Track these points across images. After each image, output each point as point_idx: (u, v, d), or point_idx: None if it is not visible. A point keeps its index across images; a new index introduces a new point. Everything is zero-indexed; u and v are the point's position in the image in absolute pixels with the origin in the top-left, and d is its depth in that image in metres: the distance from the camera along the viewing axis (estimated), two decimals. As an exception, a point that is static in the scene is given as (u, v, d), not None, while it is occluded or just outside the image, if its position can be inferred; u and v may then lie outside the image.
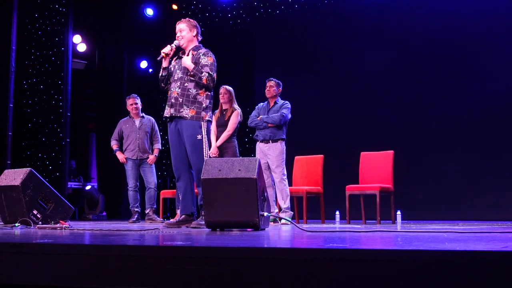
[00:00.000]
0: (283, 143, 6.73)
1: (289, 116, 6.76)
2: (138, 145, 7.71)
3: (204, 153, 5.07)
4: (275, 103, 6.86)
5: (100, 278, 2.30)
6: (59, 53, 9.97)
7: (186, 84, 5.14)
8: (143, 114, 7.92)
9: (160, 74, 5.34)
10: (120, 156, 7.75)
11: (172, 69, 5.33)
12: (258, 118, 6.80)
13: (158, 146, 7.90)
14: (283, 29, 10.51)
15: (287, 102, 6.84)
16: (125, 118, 7.95)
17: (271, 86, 6.89)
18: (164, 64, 5.29)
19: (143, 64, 11.44)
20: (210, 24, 10.61)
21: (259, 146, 6.82)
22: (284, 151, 6.73)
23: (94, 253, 2.40)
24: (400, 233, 3.69)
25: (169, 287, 2.18)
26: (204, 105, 5.16)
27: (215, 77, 5.19)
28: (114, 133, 7.89)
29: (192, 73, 5.10)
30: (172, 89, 5.20)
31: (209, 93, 5.23)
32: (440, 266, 1.90)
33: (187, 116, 5.10)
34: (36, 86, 9.70)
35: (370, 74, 9.41)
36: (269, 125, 6.69)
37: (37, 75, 9.71)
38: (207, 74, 5.10)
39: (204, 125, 5.14)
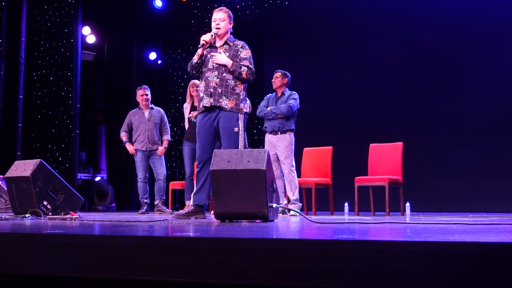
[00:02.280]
0: (292, 134, 6.73)
1: (297, 106, 6.75)
2: (147, 136, 7.73)
3: (240, 146, 4.97)
4: (283, 93, 6.87)
5: (109, 268, 2.31)
6: (68, 45, 10.00)
7: (224, 75, 5.04)
8: (153, 106, 7.93)
9: (195, 61, 5.17)
10: (129, 147, 7.77)
11: (204, 58, 5.19)
12: (268, 109, 6.81)
13: (167, 137, 7.91)
14: (291, 20, 10.48)
15: (294, 92, 6.85)
16: (135, 109, 7.97)
17: (276, 77, 6.92)
18: (200, 51, 5.14)
19: (152, 55, 11.45)
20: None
21: (268, 137, 6.82)
22: (293, 142, 6.72)
23: (104, 243, 2.41)
24: (409, 225, 3.68)
25: (178, 277, 2.19)
26: (241, 96, 5.09)
27: (254, 70, 5.13)
28: (123, 125, 7.91)
29: (231, 69, 5.01)
30: (209, 78, 5.07)
31: (245, 85, 5.16)
32: (449, 257, 1.90)
33: (226, 107, 5.00)
34: (46, 78, 9.73)
35: (379, 66, 9.37)
36: (278, 116, 6.70)
37: (46, 66, 9.75)
38: (246, 68, 5.03)
39: (241, 117, 5.05)
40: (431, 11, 9.07)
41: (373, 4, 9.53)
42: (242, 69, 5.03)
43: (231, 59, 5.06)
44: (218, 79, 5.04)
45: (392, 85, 9.25)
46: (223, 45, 5.16)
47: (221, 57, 5.06)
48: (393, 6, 9.36)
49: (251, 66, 5.08)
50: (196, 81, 7.46)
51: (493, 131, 8.38)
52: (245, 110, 5.10)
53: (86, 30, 10.73)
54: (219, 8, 5.27)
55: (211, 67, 5.09)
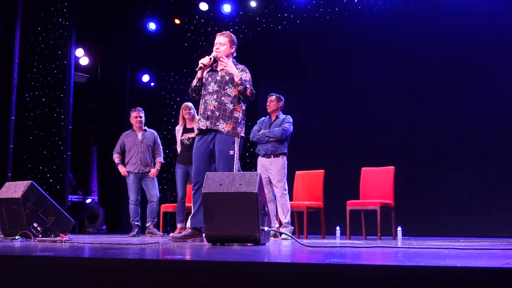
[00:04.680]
0: (285, 157, 6.74)
1: (291, 130, 6.79)
2: (140, 158, 7.72)
3: (234, 169, 4.94)
4: (277, 117, 6.90)
5: (99, 291, 2.29)
6: (61, 66, 9.99)
7: (223, 98, 5.03)
8: (146, 128, 7.94)
9: (194, 84, 5.20)
10: (122, 169, 7.75)
11: (205, 81, 5.22)
12: (260, 133, 6.83)
13: (160, 159, 7.90)
14: (285, 44, 10.56)
15: (288, 116, 6.88)
16: (128, 131, 7.97)
17: (271, 101, 6.95)
18: (199, 74, 5.17)
19: (145, 78, 11.47)
20: (212, 39, 10.60)
21: (261, 160, 6.83)
22: (286, 166, 6.73)
23: (94, 266, 2.39)
24: (401, 249, 3.68)
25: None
26: (239, 120, 5.07)
27: (254, 92, 5.12)
28: (116, 146, 7.90)
29: (239, 81, 4.97)
30: (207, 101, 5.07)
31: (244, 109, 5.15)
32: (441, 282, 1.89)
33: (223, 130, 4.99)
34: (38, 99, 9.71)
35: (371, 90, 9.44)
36: (271, 139, 6.71)
37: (39, 88, 9.73)
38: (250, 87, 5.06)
39: (237, 141, 5.03)
40: (424, 38, 9.18)
41: (366, 29, 9.63)
42: (248, 85, 5.03)
43: (230, 82, 5.07)
44: (216, 103, 5.04)
45: (384, 110, 9.31)
46: (223, 68, 5.16)
47: (232, 68, 5.03)
48: (384, 32, 9.47)
49: (252, 88, 5.09)
50: (189, 104, 7.48)
51: (485, 157, 8.42)
52: (241, 134, 5.09)
53: (79, 52, 10.76)
54: (222, 33, 5.33)
55: (211, 90, 5.10)
